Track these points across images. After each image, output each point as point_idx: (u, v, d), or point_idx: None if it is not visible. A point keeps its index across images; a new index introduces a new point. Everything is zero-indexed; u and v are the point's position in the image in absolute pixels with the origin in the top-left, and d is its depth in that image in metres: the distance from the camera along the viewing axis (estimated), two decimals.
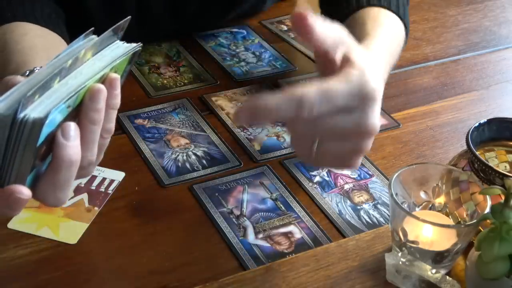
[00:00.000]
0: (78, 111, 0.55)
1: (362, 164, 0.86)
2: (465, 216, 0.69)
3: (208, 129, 0.91)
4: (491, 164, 0.70)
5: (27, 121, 0.49)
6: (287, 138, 0.90)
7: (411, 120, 0.95)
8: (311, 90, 0.55)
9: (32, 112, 0.50)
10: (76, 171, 0.55)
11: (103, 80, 0.56)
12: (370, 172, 0.85)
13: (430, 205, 0.71)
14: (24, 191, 0.52)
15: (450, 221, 0.70)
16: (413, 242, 0.66)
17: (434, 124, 0.95)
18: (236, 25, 1.18)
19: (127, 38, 0.60)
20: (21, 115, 0.49)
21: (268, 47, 1.12)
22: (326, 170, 0.84)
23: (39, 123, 0.50)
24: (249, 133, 0.91)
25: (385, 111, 0.97)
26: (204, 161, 0.85)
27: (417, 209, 0.71)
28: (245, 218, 0.77)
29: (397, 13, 0.87)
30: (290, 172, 0.84)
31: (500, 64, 1.11)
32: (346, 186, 0.82)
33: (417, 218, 0.64)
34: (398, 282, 0.66)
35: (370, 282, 0.67)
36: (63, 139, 0.53)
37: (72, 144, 0.53)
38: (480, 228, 0.67)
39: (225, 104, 0.97)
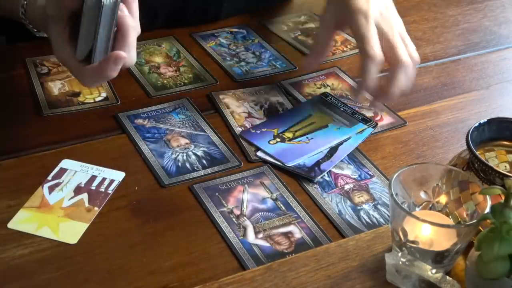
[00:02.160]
0: None
1: (362, 164, 0.86)
2: (465, 216, 0.69)
3: (208, 129, 0.91)
4: (491, 164, 0.70)
5: (109, 3, 0.71)
6: None
7: (411, 120, 0.95)
8: None
9: None
10: (136, 35, 0.77)
11: None
12: (370, 173, 0.85)
13: (430, 205, 0.71)
14: (122, 53, 0.74)
15: (450, 221, 0.70)
16: (413, 242, 0.66)
17: (434, 124, 0.95)
18: (236, 25, 1.18)
19: None
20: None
21: (268, 47, 1.12)
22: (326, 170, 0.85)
23: (117, 3, 0.72)
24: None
25: (390, 109, 0.97)
26: (204, 161, 0.85)
27: (417, 209, 0.71)
28: (245, 218, 0.77)
29: None
30: (290, 172, 0.84)
31: (500, 64, 1.11)
32: (346, 187, 0.82)
33: (417, 218, 0.64)
34: (398, 282, 0.66)
35: (370, 282, 0.67)
36: (121, 12, 0.74)
37: (127, 14, 0.75)
38: (480, 228, 0.67)
39: (232, 102, 0.97)
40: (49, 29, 0.78)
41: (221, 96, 0.98)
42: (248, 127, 0.92)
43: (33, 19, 0.86)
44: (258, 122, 0.93)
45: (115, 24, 0.74)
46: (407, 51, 0.90)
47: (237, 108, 0.96)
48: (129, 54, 0.75)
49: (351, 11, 0.89)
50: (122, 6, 0.75)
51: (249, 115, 0.95)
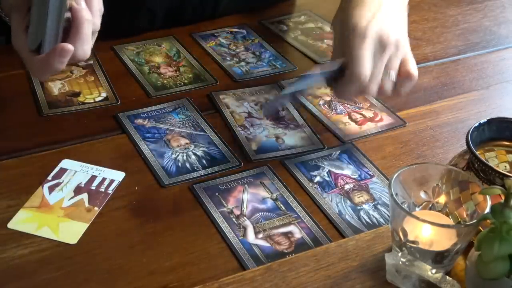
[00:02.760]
0: None
1: (362, 164, 0.86)
2: (465, 216, 0.69)
3: (208, 129, 0.91)
4: (491, 164, 0.70)
5: None
6: (286, 141, 0.90)
7: (411, 120, 0.95)
8: None
9: None
10: (91, 29, 0.75)
11: None
12: (370, 173, 0.85)
13: (430, 205, 0.71)
14: (69, 46, 0.72)
15: (450, 221, 0.70)
16: (413, 242, 0.66)
17: (434, 124, 0.95)
18: (236, 25, 1.18)
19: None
20: None
21: (268, 47, 1.12)
22: (327, 170, 0.85)
23: None
24: (249, 133, 0.91)
25: (390, 110, 0.97)
26: (204, 161, 0.85)
27: (417, 209, 0.71)
28: (245, 218, 0.77)
29: None
30: (290, 172, 0.84)
31: (500, 64, 1.11)
32: (346, 187, 0.82)
33: (417, 218, 0.64)
34: (398, 282, 0.66)
35: (370, 282, 0.67)
36: (76, 5, 0.73)
37: (83, 7, 0.73)
38: (480, 228, 0.67)
39: (232, 102, 0.97)
40: (10, 17, 0.78)
41: (221, 96, 0.98)
42: (248, 127, 0.92)
43: (4, 7, 0.85)
44: (258, 122, 0.93)
45: (65, 16, 0.72)
46: (407, 68, 0.85)
47: (237, 108, 0.96)
48: (81, 48, 0.74)
49: (349, 30, 0.83)
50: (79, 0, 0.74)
51: (249, 115, 0.95)
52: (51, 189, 0.79)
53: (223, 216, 0.77)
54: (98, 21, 0.77)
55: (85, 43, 0.75)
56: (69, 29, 0.73)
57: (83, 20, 0.73)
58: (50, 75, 0.80)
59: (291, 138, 0.91)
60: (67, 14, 0.73)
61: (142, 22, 1.13)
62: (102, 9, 0.78)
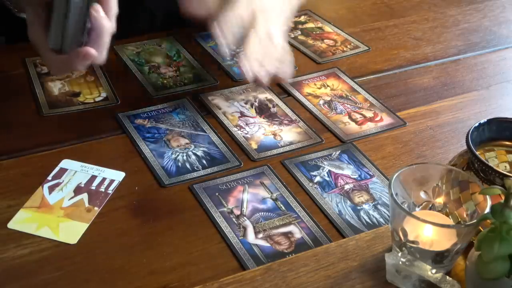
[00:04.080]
0: None
1: (362, 164, 0.86)
2: (465, 216, 0.69)
3: (208, 129, 0.91)
4: (491, 164, 0.70)
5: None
6: (284, 137, 0.90)
7: (411, 120, 0.95)
8: None
9: None
10: (110, 36, 0.79)
11: None
12: (370, 173, 0.85)
13: (430, 205, 0.71)
14: (93, 51, 0.77)
15: (450, 221, 0.70)
16: (413, 242, 0.66)
17: (434, 124, 0.95)
18: None
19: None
20: None
21: None
22: (327, 170, 0.85)
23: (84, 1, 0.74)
24: (246, 132, 0.91)
25: (390, 110, 0.97)
26: (204, 161, 0.85)
27: (417, 209, 0.71)
28: (245, 218, 0.77)
29: None
30: (290, 172, 0.84)
31: (500, 64, 1.11)
32: (346, 187, 0.82)
33: (417, 218, 0.64)
34: (398, 282, 0.66)
35: (370, 282, 0.67)
36: (96, 13, 0.76)
37: (103, 16, 0.77)
38: (480, 228, 0.67)
39: (221, 103, 0.97)
40: (26, 10, 0.80)
41: (209, 97, 0.98)
42: (243, 126, 0.92)
43: (19, 1, 0.86)
44: (252, 120, 0.93)
45: (87, 21, 0.76)
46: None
47: (228, 108, 0.96)
48: (100, 54, 0.79)
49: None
50: (98, 7, 0.77)
51: (242, 114, 0.95)
52: (51, 189, 0.79)
53: (223, 216, 0.77)
54: (114, 25, 0.80)
55: (103, 50, 0.79)
56: (90, 32, 0.77)
57: (104, 29, 0.78)
58: (68, 73, 0.87)
59: (288, 134, 0.91)
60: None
61: (142, 23, 1.13)
62: (117, 11, 0.80)
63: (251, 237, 0.74)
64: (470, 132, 0.72)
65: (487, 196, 0.65)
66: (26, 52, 1.05)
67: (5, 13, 1.01)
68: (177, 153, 0.86)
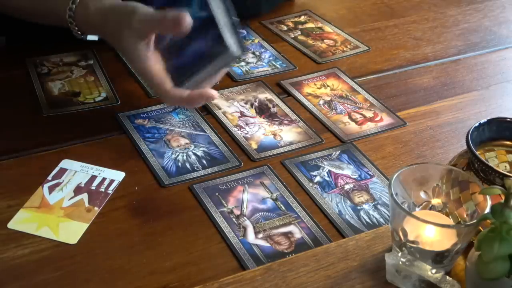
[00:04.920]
0: None
1: (362, 164, 0.86)
2: (465, 216, 0.69)
3: (208, 129, 0.91)
4: (491, 164, 0.70)
5: (231, 53, 0.77)
6: (284, 137, 0.90)
7: (411, 120, 0.95)
8: None
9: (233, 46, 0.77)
10: None
11: None
12: (370, 173, 0.85)
13: (430, 205, 0.71)
14: (216, 95, 0.83)
15: (450, 221, 0.70)
16: (413, 242, 0.66)
17: (434, 124, 0.95)
18: None
19: None
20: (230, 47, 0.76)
21: (268, 47, 1.12)
22: (327, 170, 0.85)
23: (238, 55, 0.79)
24: (246, 132, 0.91)
25: (390, 110, 0.97)
26: (204, 161, 0.85)
27: (417, 209, 0.71)
28: (245, 218, 0.77)
29: None
30: (290, 172, 0.84)
31: (500, 64, 1.11)
32: (346, 187, 0.82)
33: (417, 218, 0.64)
34: (398, 282, 0.66)
35: (370, 282, 0.67)
36: None
37: None
38: (480, 228, 0.67)
39: (221, 103, 0.97)
40: (123, 38, 0.81)
41: None
42: (243, 126, 0.92)
43: (85, 22, 0.87)
44: (252, 120, 0.93)
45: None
46: None
47: (228, 108, 0.96)
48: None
49: None
50: None
51: (242, 114, 0.95)
52: (51, 189, 0.79)
53: (223, 216, 0.77)
54: None
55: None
56: None
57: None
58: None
59: (288, 134, 0.91)
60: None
61: None
62: None
63: (251, 237, 0.74)
64: (470, 132, 0.72)
65: (487, 196, 0.65)
66: (26, 52, 1.05)
67: (5, 13, 1.01)
68: (177, 153, 0.86)
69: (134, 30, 0.80)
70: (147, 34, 0.80)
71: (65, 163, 0.83)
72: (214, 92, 0.82)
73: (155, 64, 0.81)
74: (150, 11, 0.81)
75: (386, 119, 0.95)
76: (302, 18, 1.23)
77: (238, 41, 0.77)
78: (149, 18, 0.80)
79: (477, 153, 0.70)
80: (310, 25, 1.21)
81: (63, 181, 0.81)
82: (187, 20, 0.77)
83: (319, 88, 1.02)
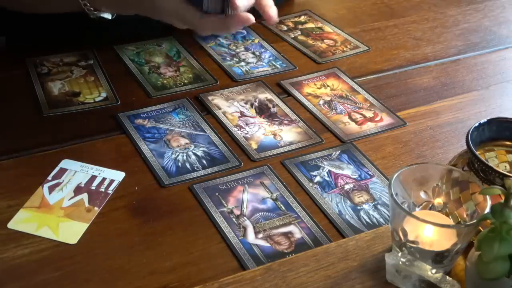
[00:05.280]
0: None
1: (362, 164, 0.86)
2: (465, 216, 0.69)
3: (208, 129, 0.91)
4: (491, 164, 0.70)
5: None
6: (284, 137, 0.90)
7: (411, 120, 0.95)
8: None
9: None
10: None
11: None
12: (370, 173, 0.85)
13: (430, 205, 0.71)
14: (252, 16, 0.86)
15: (450, 221, 0.70)
16: (413, 242, 0.66)
17: (434, 124, 0.95)
18: None
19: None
20: None
21: (268, 47, 1.12)
22: (327, 170, 0.85)
23: None
24: (246, 132, 0.91)
25: (390, 110, 0.97)
26: (204, 161, 0.85)
27: (417, 209, 0.71)
28: (245, 218, 0.77)
29: None
30: (290, 172, 0.84)
31: (500, 64, 1.11)
32: (346, 187, 0.82)
33: (417, 218, 0.64)
34: (398, 282, 0.66)
35: (370, 282, 0.67)
36: None
37: None
38: (480, 228, 0.67)
39: (221, 103, 0.97)
40: None
41: (209, 97, 0.98)
42: (243, 126, 0.92)
43: None
44: (252, 120, 0.93)
45: None
46: None
47: (228, 108, 0.96)
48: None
49: None
50: None
51: (242, 114, 0.95)
52: (51, 189, 0.79)
53: (223, 216, 0.77)
54: None
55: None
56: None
57: None
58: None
59: (288, 134, 0.91)
60: None
61: (144, 29, 1.13)
62: None
63: (251, 237, 0.74)
64: (470, 132, 0.72)
65: (487, 196, 0.65)
66: (26, 52, 1.05)
67: (5, 13, 1.01)
68: (177, 153, 0.86)
69: None
70: None
71: (65, 163, 0.83)
72: (250, 16, 0.84)
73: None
74: None
75: (386, 119, 0.95)
76: (302, 18, 1.23)
77: None
78: None
79: (477, 153, 0.70)
80: (310, 25, 1.21)
81: (63, 181, 0.81)
82: None
83: (319, 88, 1.02)
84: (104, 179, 0.81)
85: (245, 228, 0.75)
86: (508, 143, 0.76)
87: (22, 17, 1.01)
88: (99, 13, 0.90)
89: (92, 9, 0.88)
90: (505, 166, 0.73)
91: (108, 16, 0.91)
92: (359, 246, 0.71)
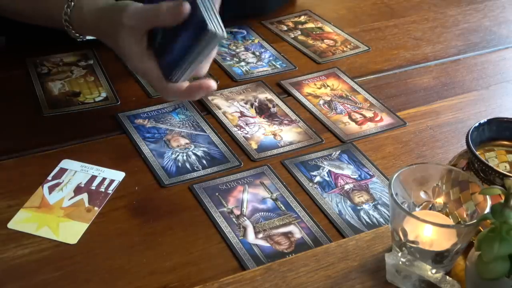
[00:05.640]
0: None
1: (362, 164, 0.86)
2: (465, 216, 0.69)
3: (208, 129, 0.91)
4: (491, 164, 0.70)
5: (216, 36, 0.73)
6: (284, 137, 0.90)
7: (411, 120, 0.95)
8: None
9: (217, 29, 0.73)
10: None
11: None
12: (370, 173, 0.85)
13: (430, 205, 0.71)
14: (214, 85, 0.81)
15: (450, 221, 0.70)
16: (413, 242, 0.66)
17: (434, 124, 0.95)
18: (236, 25, 1.18)
19: None
20: (214, 30, 0.73)
21: (268, 47, 1.12)
22: (327, 170, 0.85)
23: (222, 38, 0.75)
24: (246, 132, 0.91)
25: (390, 110, 0.97)
26: (204, 161, 0.85)
27: (417, 209, 0.71)
28: (245, 218, 0.77)
29: None
30: (290, 172, 0.84)
31: (500, 64, 1.11)
32: (346, 187, 0.82)
33: (417, 218, 0.64)
34: (398, 282, 0.66)
35: (370, 282, 0.67)
36: None
37: None
38: (480, 228, 0.67)
39: (221, 103, 0.97)
40: (119, 37, 0.80)
41: (209, 97, 0.98)
42: (243, 126, 0.92)
43: (80, 25, 0.87)
44: (252, 120, 0.93)
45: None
46: None
47: (228, 108, 0.96)
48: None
49: None
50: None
51: (242, 114, 0.95)
52: (51, 189, 0.79)
53: (223, 216, 0.77)
54: None
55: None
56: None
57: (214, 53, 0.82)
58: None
59: (288, 134, 0.91)
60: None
61: None
62: None
63: (251, 237, 0.74)
64: (470, 132, 0.72)
65: (487, 196, 0.65)
66: (26, 52, 1.05)
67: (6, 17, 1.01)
68: (177, 153, 0.86)
69: (127, 28, 0.79)
70: (141, 30, 0.79)
71: (65, 163, 0.83)
72: (212, 83, 0.81)
73: (151, 60, 0.80)
74: (142, 6, 0.80)
75: (386, 119, 0.95)
76: (302, 18, 1.23)
77: (219, 24, 0.76)
78: (142, 14, 0.79)
79: (477, 153, 0.70)
80: (310, 25, 1.21)
81: (63, 181, 0.81)
82: (186, 7, 0.76)
83: (319, 88, 1.02)
84: (104, 179, 0.81)
85: (245, 228, 0.75)
86: (508, 143, 0.76)
87: None
88: (84, 36, 0.89)
89: (73, 31, 0.88)
90: (505, 166, 0.73)
91: (93, 37, 0.90)
92: (359, 246, 0.71)
